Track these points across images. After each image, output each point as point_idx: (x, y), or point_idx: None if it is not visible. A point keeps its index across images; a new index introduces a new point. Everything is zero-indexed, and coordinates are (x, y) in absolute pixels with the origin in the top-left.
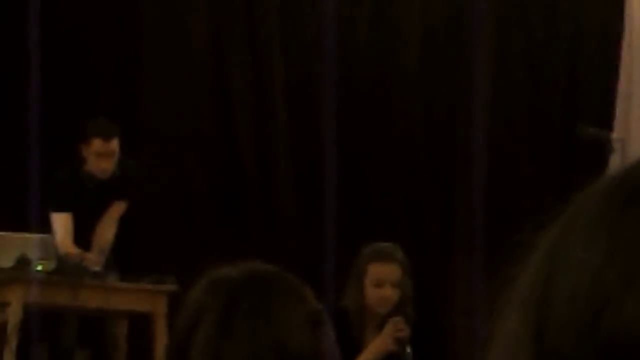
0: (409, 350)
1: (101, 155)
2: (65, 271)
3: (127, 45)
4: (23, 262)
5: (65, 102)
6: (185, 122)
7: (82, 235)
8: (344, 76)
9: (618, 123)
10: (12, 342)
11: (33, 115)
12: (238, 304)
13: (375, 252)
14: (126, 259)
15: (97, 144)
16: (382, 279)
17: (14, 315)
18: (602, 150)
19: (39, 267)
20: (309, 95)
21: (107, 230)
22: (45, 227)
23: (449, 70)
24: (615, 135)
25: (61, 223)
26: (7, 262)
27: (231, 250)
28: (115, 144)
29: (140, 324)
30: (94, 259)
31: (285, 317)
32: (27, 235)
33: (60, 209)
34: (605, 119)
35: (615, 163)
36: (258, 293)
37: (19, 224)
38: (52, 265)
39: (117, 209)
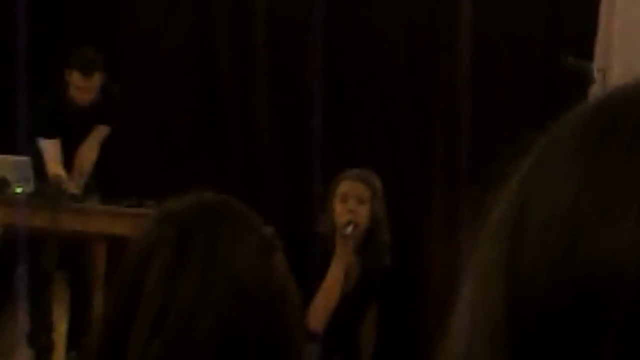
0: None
1: (80, 89)
2: (44, 194)
3: None
4: (2, 184)
5: (51, 24)
6: (166, 43)
7: (66, 160)
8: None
9: (599, 53)
10: None
11: (20, 39)
12: (189, 238)
13: (344, 173)
14: (107, 183)
15: (76, 77)
16: (347, 194)
17: None
18: (582, 80)
19: (18, 190)
20: (292, 19)
21: (88, 154)
22: (31, 151)
23: (430, 6)
24: (595, 65)
25: (48, 148)
26: None
27: (210, 174)
28: (95, 79)
29: (119, 247)
30: (74, 182)
31: (236, 246)
32: (6, 157)
33: (46, 134)
34: (586, 49)
35: (595, 94)
36: (208, 225)
37: (7, 150)
38: (30, 187)
39: (99, 133)
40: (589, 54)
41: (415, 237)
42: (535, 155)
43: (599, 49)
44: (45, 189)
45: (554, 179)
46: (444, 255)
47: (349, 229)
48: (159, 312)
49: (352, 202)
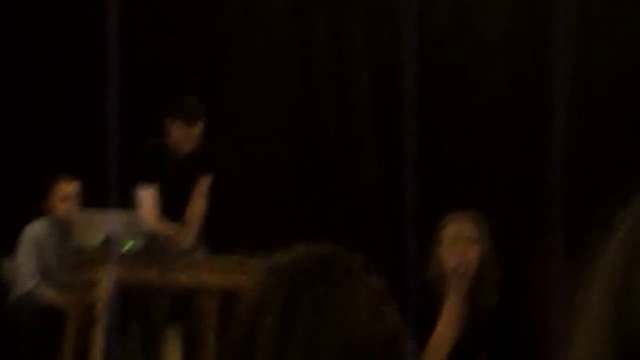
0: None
1: (183, 139)
2: (153, 250)
3: (211, 20)
4: (111, 241)
5: (149, 74)
6: (269, 96)
7: (170, 210)
8: (424, 46)
9: None
10: (102, 321)
11: (114, 90)
12: (298, 294)
13: (449, 217)
14: (215, 235)
15: (179, 126)
16: (456, 236)
17: (102, 294)
18: None
19: (127, 246)
20: (390, 65)
21: (195, 206)
22: (129, 203)
23: (529, 40)
24: None
25: (148, 197)
26: (94, 241)
27: (316, 224)
28: (198, 128)
29: (230, 299)
30: (184, 237)
31: (345, 304)
32: (112, 212)
33: (147, 182)
34: None
35: None
36: (318, 280)
37: (101, 202)
38: (139, 243)
39: (204, 183)
40: None
41: (526, 283)
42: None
43: None
44: (154, 244)
45: None
46: (553, 305)
47: (463, 268)
48: None
49: (461, 244)
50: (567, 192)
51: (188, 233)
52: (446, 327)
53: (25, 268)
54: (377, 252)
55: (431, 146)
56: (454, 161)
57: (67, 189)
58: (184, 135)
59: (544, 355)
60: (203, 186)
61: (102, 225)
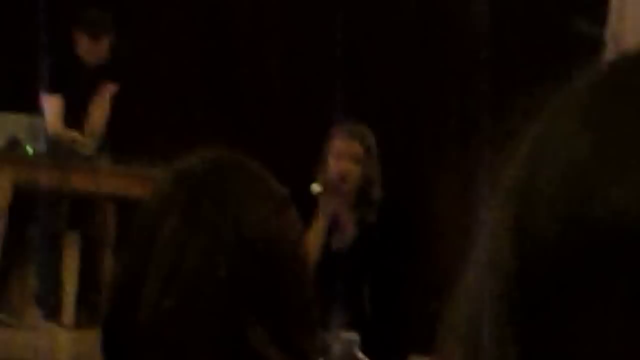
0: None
1: (88, 51)
2: (56, 154)
3: None
4: (13, 144)
5: None
6: (178, 5)
7: (74, 118)
8: None
9: (612, 18)
10: (1, 224)
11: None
12: (200, 198)
13: (339, 129)
14: (118, 143)
15: (84, 40)
16: (341, 153)
17: (2, 197)
18: (595, 46)
19: (30, 149)
20: None
21: (98, 113)
22: (36, 108)
23: None
24: (608, 29)
25: (52, 105)
26: None
27: (222, 133)
28: (103, 41)
29: (130, 208)
30: (86, 142)
31: (247, 206)
32: (18, 115)
33: (51, 90)
34: (599, 15)
35: (608, 58)
36: (221, 182)
37: (13, 105)
38: (42, 147)
39: (108, 91)
40: (602, 20)
41: (425, 195)
42: (548, 115)
43: (612, 14)
44: (57, 148)
45: (565, 138)
46: (454, 215)
47: (316, 189)
48: (169, 272)
49: (345, 161)
50: (473, 110)
51: (90, 140)
52: (315, 238)
53: None
54: (283, 160)
55: (346, 52)
56: (365, 65)
57: None
58: (88, 48)
59: (441, 276)
60: (106, 94)
61: (4, 127)
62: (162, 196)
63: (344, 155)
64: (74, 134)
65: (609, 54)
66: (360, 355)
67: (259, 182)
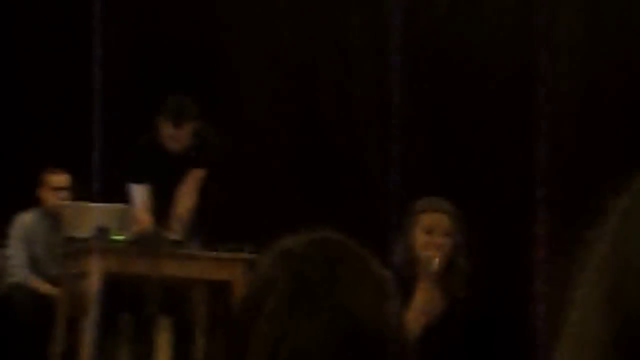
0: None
1: (171, 139)
2: (144, 241)
3: (209, 15)
4: (102, 232)
5: (147, 71)
6: (266, 86)
7: (162, 206)
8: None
9: None
10: (93, 312)
11: (105, 84)
12: (304, 279)
13: (425, 203)
14: (207, 228)
15: (167, 126)
16: (432, 226)
17: (93, 285)
18: None
19: (118, 237)
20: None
21: (185, 199)
22: (123, 198)
23: (525, 45)
24: None
25: (139, 194)
26: (86, 232)
27: (311, 219)
28: (186, 128)
29: (220, 291)
30: (174, 228)
31: (352, 290)
32: (105, 205)
33: (137, 180)
34: None
35: None
36: (324, 265)
37: (100, 195)
38: (130, 235)
39: (195, 177)
40: None
41: (518, 276)
42: (634, 192)
43: None
44: (145, 235)
45: None
46: (548, 293)
47: (436, 265)
48: (270, 352)
49: (438, 235)
50: (556, 182)
51: (178, 225)
52: (416, 314)
53: (16, 258)
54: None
55: (429, 137)
56: (450, 155)
57: (58, 181)
58: (171, 135)
59: (530, 348)
60: (193, 179)
61: (92, 218)
62: (266, 275)
63: (436, 229)
64: (148, 220)
65: None
66: None
67: (363, 266)
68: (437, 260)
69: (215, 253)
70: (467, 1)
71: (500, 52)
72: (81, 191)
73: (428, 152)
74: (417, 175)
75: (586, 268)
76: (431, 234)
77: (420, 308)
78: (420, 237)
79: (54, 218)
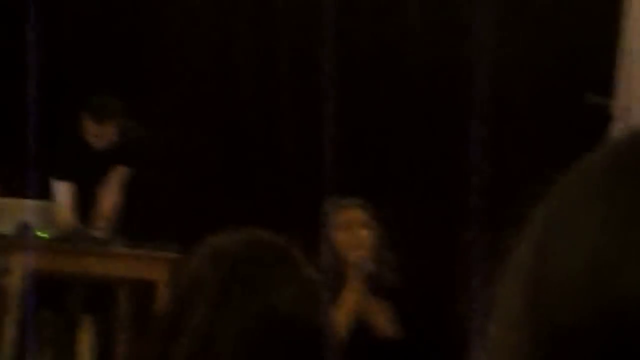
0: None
1: (94, 135)
2: (68, 238)
3: (137, 15)
4: (24, 229)
5: (69, 65)
6: (188, 85)
7: (86, 203)
8: (347, 39)
9: (620, 91)
10: (14, 309)
11: (38, 83)
12: (234, 278)
13: (334, 201)
14: (131, 226)
15: (90, 124)
16: (348, 222)
17: (14, 282)
18: (604, 118)
19: (41, 234)
20: (311, 57)
21: (109, 197)
22: (46, 194)
23: (451, 40)
24: (617, 103)
25: (62, 192)
26: (8, 228)
27: (235, 217)
28: (108, 126)
29: (143, 290)
30: (97, 227)
31: (279, 286)
32: (28, 201)
33: (61, 177)
34: (608, 87)
35: (617, 131)
36: (254, 265)
37: (24, 191)
38: (53, 231)
39: (119, 175)
40: (610, 92)
41: (440, 275)
42: (557, 196)
43: (620, 86)
44: (69, 232)
45: (576, 219)
46: (470, 296)
47: (369, 265)
48: (197, 355)
49: (357, 229)
50: (486, 186)
51: (102, 223)
52: (346, 312)
53: None
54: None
55: (353, 137)
56: (372, 151)
57: None
58: (95, 132)
59: (459, 348)
60: (117, 178)
61: (16, 213)
62: (192, 280)
63: (353, 225)
64: (70, 218)
65: (618, 126)
66: None
67: (292, 265)
68: (367, 260)
69: (139, 252)
70: (393, 3)
71: (431, 55)
72: (9, 187)
73: (356, 154)
74: (347, 177)
75: (507, 277)
76: (350, 230)
77: (350, 307)
78: (339, 235)
79: None
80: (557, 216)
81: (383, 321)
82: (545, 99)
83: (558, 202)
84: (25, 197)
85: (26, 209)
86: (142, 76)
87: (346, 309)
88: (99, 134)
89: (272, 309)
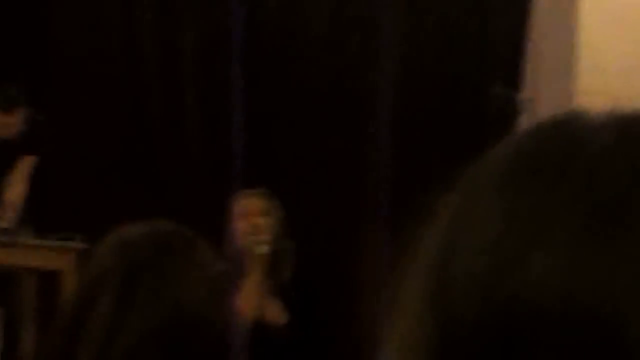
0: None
1: (1, 126)
2: None
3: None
4: None
5: None
6: (96, 77)
7: None
8: (253, 33)
9: (527, 83)
10: None
11: None
12: (139, 271)
13: (239, 193)
14: (38, 216)
15: None
16: (246, 210)
17: None
18: (511, 110)
19: None
20: (218, 48)
21: (15, 187)
22: None
23: (357, 31)
24: (524, 95)
25: None
26: None
27: (141, 208)
28: (14, 116)
29: (49, 281)
30: (4, 216)
31: (184, 281)
32: None
33: None
34: (514, 79)
35: (524, 124)
36: (159, 258)
37: None
38: None
39: (25, 164)
40: (517, 84)
41: (343, 268)
42: (462, 190)
43: (527, 78)
44: None
45: (480, 214)
46: (373, 288)
47: (264, 247)
48: (102, 347)
49: (254, 216)
50: (392, 179)
51: (8, 213)
52: (247, 302)
53: None
54: (201, 229)
55: (256, 127)
56: (279, 144)
57: None
58: (1, 122)
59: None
60: (23, 168)
61: None
62: (98, 271)
63: (251, 212)
64: None
65: (525, 119)
66: None
67: (197, 257)
68: (263, 241)
69: (45, 242)
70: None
71: (337, 49)
72: None
73: (263, 147)
74: (252, 169)
75: (411, 271)
76: (248, 217)
77: (250, 297)
78: (238, 224)
79: None
80: (461, 209)
81: (276, 315)
82: (452, 91)
83: (462, 195)
84: None
85: None
86: (43, 64)
87: (247, 298)
88: (5, 123)
89: (178, 306)
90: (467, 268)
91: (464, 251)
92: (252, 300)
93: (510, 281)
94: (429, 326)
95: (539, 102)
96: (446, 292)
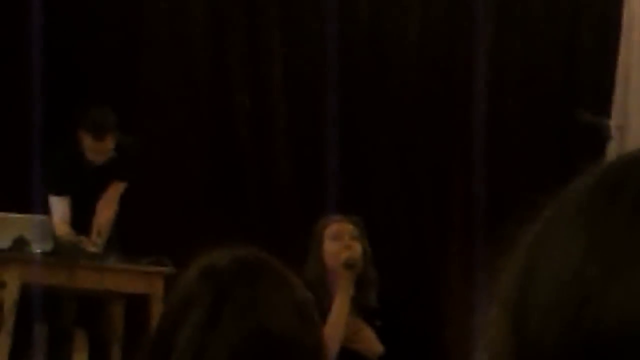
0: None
1: (93, 151)
2: (62, 252)
3: (128, 30)
4: (20, 243)
5: (67, 81)
6: (184, 102)
7: (82, 217)
8: (345, 59)
9: (616, 110)
10: (9, 322)
11: (34, 96)
12: (226, 296)
13: (327, 218)
14: (126, 240)
15: (89, 140)
16: (339, 233)
17: (10, 296)
18: (599, 137)
19: (37, 248)
20: (309, 75)
21: (105, 212)
22: (46, 208)
23: (446, 55)
24: (613, 122)
25: (58, 206)
26: (4, 242)
27: (229, 232)
28: (107, 141)
29: (137, 305)
30: (93, 241)
31: (272, 306)
32: (25, 216)
33: (57, 191)
34: (603, 106)
35: (613, 151)
36: (247, 284)
37: (21, 206)
38: (49, 246)
39: (116, 189)
40: (606, 111)
41: (431, 294)
42: (543, 220)
43: (616, 105)
44: (63, 247)
45: (560, 244)
46: (459, 316)
47: (356, 260)
48: None
49: (347, 239)
50: (476, 207)
51: (97, 239)
52: (339, 318)
53: None
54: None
55: (348, 152)
56: (367, 164)
57: None
58: (92, 147)
59: None
60: (113, 193)
61: (13, 228)
62: (188, 290)
63: (344, 236)
64: (80, 237)
65: (614, 146)
66: None
67: (284, 284)
68: (356, 257)
69: (133, 266)
70: (391, 6)
71: (428, 61)
72: (12, 203)
73: (345, 171)
74: (338, 195)
75: (493, 302)
76: (339, 240)
77: (338, 323)
78: (329, 246)
79: None
80: (542, 240)
81: (368, 340)
82: (540, 116)
83: (543, 225)
84: (22, 212)
85: (23, 223)
86: (133, 89)
87: (334, 325)
88: (97, 148)
89: (265, 330)
90: (547, 297)
91: (543, 281)
92: (341, 323)
93: (589, 313)
94: (509, 355)
95: (628, 129)
96: (526, 321)
